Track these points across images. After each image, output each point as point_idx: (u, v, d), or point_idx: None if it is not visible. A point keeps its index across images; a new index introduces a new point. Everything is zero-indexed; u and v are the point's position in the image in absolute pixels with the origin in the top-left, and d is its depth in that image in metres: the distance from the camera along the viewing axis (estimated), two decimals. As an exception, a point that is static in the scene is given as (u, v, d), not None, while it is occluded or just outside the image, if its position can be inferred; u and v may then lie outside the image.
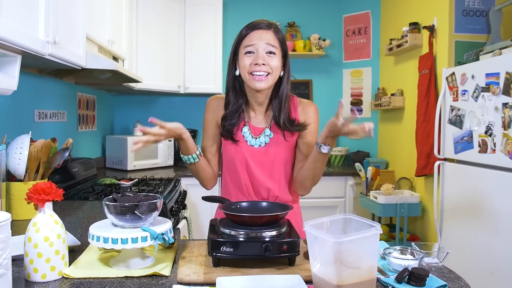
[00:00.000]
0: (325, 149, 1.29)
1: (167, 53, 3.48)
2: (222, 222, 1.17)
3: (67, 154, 1.69)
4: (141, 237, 1.06)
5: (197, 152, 1.41)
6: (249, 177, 1.46)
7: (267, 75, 1.34)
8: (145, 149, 3.38)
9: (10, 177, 1.62)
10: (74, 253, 1.24)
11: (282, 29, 3.94)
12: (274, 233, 1.11)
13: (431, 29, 2.78)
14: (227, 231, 1.11)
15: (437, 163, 2.58)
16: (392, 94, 3.39)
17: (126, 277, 1.04)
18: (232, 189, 1.50)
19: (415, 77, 2.98)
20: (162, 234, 1.09)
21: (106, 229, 1.08)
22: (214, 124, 1.49)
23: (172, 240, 1.10)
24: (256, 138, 1.45)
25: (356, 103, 3.98)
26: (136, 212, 1.09)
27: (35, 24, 1.47)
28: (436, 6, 2.79)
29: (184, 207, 2.83)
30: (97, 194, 2.16)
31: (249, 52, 1.35)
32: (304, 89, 4.09)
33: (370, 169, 3.17)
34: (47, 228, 1.02)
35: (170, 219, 2.17)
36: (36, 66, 1.99)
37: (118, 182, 2.52)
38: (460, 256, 2.37)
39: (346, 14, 4.00)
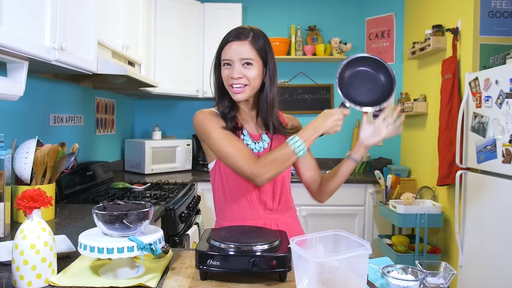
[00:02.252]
0: (355, 160, 1.42)
1: (185, 57, 3.49)
2: (213, 233, 1.14)
3: (72, 159, 1.71)
4: (127, 247, 1.04)
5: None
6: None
7: (244, 86, 1.35)
8: (163, 153, 3.40)
9: (18, 181, 1.65)
10: (68, 259, 1.24)
11: (302, 33, 3.91)
12: (265, 246, 1.06)
13: (455, 31, 2.66)
14: (217, 243, 1.07)
15: (459, 172, 2.46)
16: (415, 100, 3.27)
17: (112, 287, 1.03)
18: (235, 198, 1.44)
19: (439, 82, 2.86)
20: (150, 244, 1.07)
21: (95, 238, 1.07)
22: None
23: (159, 251, 1.08)
24: (256, 143, 1.45)
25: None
26: (124, 221, 1.07)
27: (41, 30, 1.48)
28: (461, 7, 2.66)
29: (197, 212, 2.82)
30: (108, 198, 2.17)
31: (228, 64, 1.35)
32: (325, 94, 4.01)
33: (390, 177, 3.06)
34: (34, 235, 1.01)
35: (178, 224, 2.18)
36: (45, 72, 2.03)
37: (131, 186, 2.53)
38: (482, 272, 2.24)
39: (369, 17, 3.90)
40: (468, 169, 2.46)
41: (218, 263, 1.02)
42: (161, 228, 2.08)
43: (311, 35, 3.90)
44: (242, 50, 1.32)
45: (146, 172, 3.26)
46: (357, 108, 1.34)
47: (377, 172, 3.18)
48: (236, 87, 1.34)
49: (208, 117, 1.39)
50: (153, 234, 1.12)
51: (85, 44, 1.87)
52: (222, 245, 1.06)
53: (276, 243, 1.09)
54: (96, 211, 1.07)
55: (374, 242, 3.38)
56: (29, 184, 1.64)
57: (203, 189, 3.29)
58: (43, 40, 1.50)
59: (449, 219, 2.77)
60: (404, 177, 3.32)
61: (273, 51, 1.40)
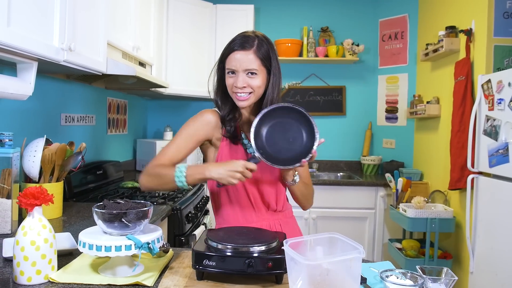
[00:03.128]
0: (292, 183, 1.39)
1: (197, 58, 3.51)
2: (211, 234, 1.14)
3: (79, 158, 1.73)
4: (125, 245, 1.05)
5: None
6: (254, 183, 1.43)
7: (249, 94, 1.35)
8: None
9: (27, 178, 1.69)
10: (71, 256, 1.26)
11: (314, 34, 3.89)
12: (262, 248, 1.06)
13: (469, 32, 2.61)
14: (214, 244, 1.07)
15: (470, 176, 2.41)
16: (428, 102, 3.21)
17: (109, 284, 1.04)
18: (231, 199, 1.45)
19: (452, 84, 2.81)
20: (148, 243, 1.08)
21: (95, 236, 1.08)
22: (200, 139, 1.43)
23: (157, 250, 1.08)
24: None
25: (391, 110, 3.82)
26: (123, 220, 1.08)
27: (49, 31, 1.51)
28: (475, 8, 2.61)
29: (205, 212, 2.83)
30: (116, 197, 2.20)
31: (232, 72, 1.36)
32: (337, 96, 3.98)
33: (401, 180, 3.01)
34: (34, 232, 1.03)
35: (185, 224, 2.19)
36: (55, 72, 2.07)
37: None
38: (494, 278, 2.19)
39: (382, 18, 3.86)
40: (480, 173, 2.40)
41: (214, 263, 1.02)
42: (168, 228, 2.11)
43: (324, 37, 3.88)
44: (247, 60, 1.32)
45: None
46: (268, 163, 1.24)
47: (387, 175, 3.14)
48: (240, 95, 1.35)
49: (191, 121, 1.43)
50: (152, 233, 1.12)
51: (95, 45, 1.90)
52: (219, 246, 1.06)
53: (274, 244, 1.09)
54: (96, 209, 1.09)
55: (384, 246, 3.34)
56: (38, 182, 1.67)
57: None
58: (51, 41, 1.53)
59: (461, 224, 2.71)
60: (416, 181, 3.27)
61: (277, 55, 1.40)
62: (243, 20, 3.60)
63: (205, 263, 1.03)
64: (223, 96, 1.44)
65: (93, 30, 1.87)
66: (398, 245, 2.99)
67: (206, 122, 1.43)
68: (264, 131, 1.30)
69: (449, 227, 2.70)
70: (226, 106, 1.43)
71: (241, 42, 1.34)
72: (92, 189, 2.40)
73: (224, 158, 1.42)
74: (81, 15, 1.75)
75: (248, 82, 1.33)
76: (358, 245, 0.85)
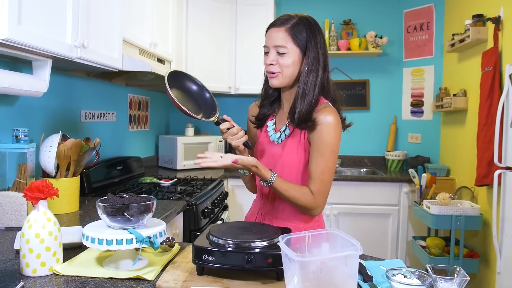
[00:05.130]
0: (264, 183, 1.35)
1: (218, 54, 3.51)
2: (213, 229, 1.13)
3: (94, 153, 1.76)
4: (126, 239, 1.05)
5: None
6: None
7: (278, 73, 1.36)
8: (196, 149, 3.45)
9: (44, 174, 1.73)
10: (79, 249, 1.28)
11: (337, 27, 3.81)
12: (264, 243, 1.04)
13: (497, 21, 2.47)
14: (215, 239, 1.06)
15: (497, 172, 2.29)
16: (455, 95, 3.09)
17: (111, 278, 1.05)
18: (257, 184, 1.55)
19: (479, 75, 2.68)
20: (149, 237, 1.08)
21: (98, 230, 1.10)
22: (251, 127, 1.60)
23: (158, 244, 1.08)
24: (276, 134, 1.46)
25: (417, 104, 3.70)
26: (125, 213, 1.09)
27: (62, 29, 1.54)
28: (504, -5, 2.48)
29: (224, 208, 2.83)
30: (133, 192, 2.23)
31: (266, 52, 1.38)
32: (360, 90, 3.89)
33: (425, 176, 2.91)
34: (39, 225, 1.05)
35: (200, 220, 2.20)
36: (70, 69, 2.11)
37: (158, 181, 2.59)
38: (522, 279, 2.08)
39: (407, 9, 3.73)
40: (507, 168, 2.28)
41: (213, 258, 1.01)
42: (183, 223, 2.12)
43: (346, 30, 3.80)
44: (277, 37, 1.34)
45: (178, 167, 3.32)
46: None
47: (411, 171, 3.04)
48: (271, 73, 1.37)
49: (247, 122, 1.61)
50: (154, 228, 1.13)
51: (110, 42, 1.92)
52: (220, 241, 1.05)
53: (275, 240, 1.06)
54: (99, 203, 1.10)
55: (408, 243, 3.24)
56: (54, 177, 1.71)
57: (233, 186, 3.30)
58: (64, 38, 1.55)
59: (489, 222, 2.59)
60: (442, 176, 3.16)
61: (320, 41, 1.36)
62: (263, 14, 3.57)
63: (204, 258, 1.02)
64: (265, 81, 1.47)
65: (107, 27, 1.90)
66: (423, 243, 2.90)
67: (249, 111, 1.60)
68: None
69: (476, 225, 2.58)
70: (265, 87, 1.48)
71: (276, 19, 1.38)
72: (111, 185, 2.44)
73: (258, 145, 1.53)
74: (94, 12, 1.77)
75: (277, 59, 1.35)
76: (355, 241, 0.81)
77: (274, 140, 1.45)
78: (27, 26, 1.34)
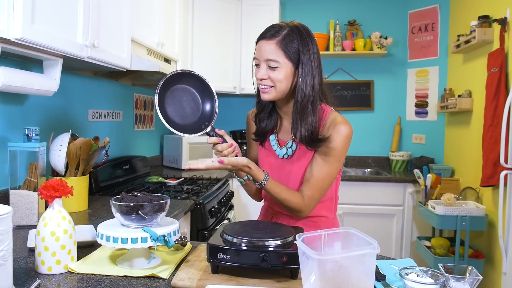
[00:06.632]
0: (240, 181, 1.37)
1: (223, 54, 3.52)
2: (227, 227, 1.13)
3: (103, 152, 1.77)
4: (141, 237, 1.06)
5: (245, 177, 1.37)
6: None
7: (270, 87, 1.30)
8: (200, 149, 3.46)
9: (54, 172, 1.74)
10: (92, 248, 1.29)
11: (341, 28, 3.82)
12: (278, 242, 1.05)
13: (503, 22, 2.48)
14: (229, 237, 1.07)
15: (503, 173, 2.30)
16: (460, 95, 3.09)
17: (126, 276, 1.05)
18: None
19: (484, 76, 2.68)
20: (164, 236, 1.09)
21: (113, 228, 1.10)
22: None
23: (172, 243, 1.09)
24: (281, 149, 1.40)
25: (421, 105, 3.71)
26: (140, 212, 1.09)
27: (73, 28, 1.55)
28: (510, -4, 2.48)
29: (230, 207, 2.84)
30: (140, 192, 2.24)
31: (257, 65, 1.33)
32: (365, 90, 3.90)
33: (430, 176, 2.92)
34: (54, 223, 1.06)
35: (208, 219, 2.21)
36: (80, 68, 2.11)
37: (165, 180, 2.59)
38: (528, 280, 2.08)
39: (412, 10, 3.74)
40: (514, 169, 2.29)
41: (228, 257, 1.02)
42: (191, 222, 2.13)
43: (351, 30, 3.80)
44: (267, 50, 1.27)
45: (183, 167, 3.32)
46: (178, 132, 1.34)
47: (416, 171, 3.05)
48: (263, 87, 1.31)
49: (247, 130, 1.56)
50: (168, 226, 1.13)
51: (119, 42, 1.93)
52: (234, 240, 1.05)
53: (290, 239, 1.07)
54: (113, 202, 1.10)
55: (412, 244, 3.25)
56: (64, 176, 1.72)
57: (238, 185, 3.31)
58: (75, 38, 1.56)
59: (494, 223, 2.60)
60: (446, 177, 3.16)
61: (312, 49, 1.30)
62: (268, 15, 3.58)
63: (219, 256, 1.02)
64: (258, 93, 1.40)
65: (117, 27, 1.91)
66: (427, 243, 2.90)
67: (248, 120, 1.54)
68: (168, 101, 1.36)
69: (481, 225, 2.59)
70: (260, 101, 1.42)
71: (266, 31, 1.30)
72: (118, 184, 2.45)
73: (260, 158, 1.49)
74: (104, 12, 1.78)
75: (268, 74, 1.28)
76: (373, 240, 0.82)
77: (279, 155, 1.40)
78: (40, 25, 1.35)
